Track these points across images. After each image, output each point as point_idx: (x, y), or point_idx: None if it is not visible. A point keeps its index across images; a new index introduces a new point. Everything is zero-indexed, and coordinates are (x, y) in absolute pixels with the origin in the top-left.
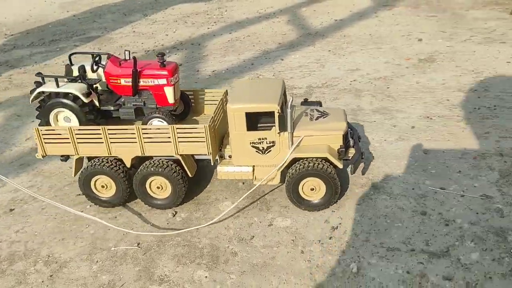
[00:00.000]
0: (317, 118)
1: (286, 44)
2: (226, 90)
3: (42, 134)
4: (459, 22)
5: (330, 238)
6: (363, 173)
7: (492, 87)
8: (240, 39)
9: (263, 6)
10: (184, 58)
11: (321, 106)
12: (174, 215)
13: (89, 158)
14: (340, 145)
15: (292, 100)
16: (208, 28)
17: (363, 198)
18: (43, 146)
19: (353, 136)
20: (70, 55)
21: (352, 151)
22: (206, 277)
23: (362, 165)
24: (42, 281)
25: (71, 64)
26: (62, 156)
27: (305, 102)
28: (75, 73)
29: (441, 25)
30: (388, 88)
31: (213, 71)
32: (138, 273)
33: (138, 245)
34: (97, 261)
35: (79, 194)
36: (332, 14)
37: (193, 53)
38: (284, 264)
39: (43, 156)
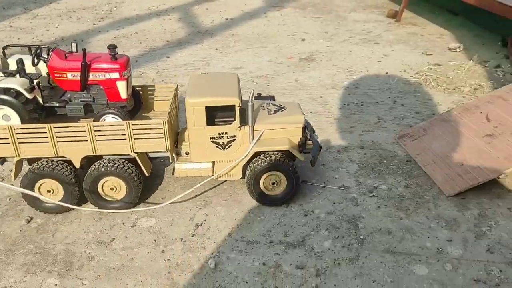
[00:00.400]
0: (275, 112)
1: (174, 42)
2: (177, 85)
3: None
4: (341, 23)
5: (193, 235)
6: (313, 165)
7: (361, 85)
8: (127, 36)
9: (155, 3)
10: None
11: (274, 100)
12: (29, 221)
13: (30, 161)
14: (300, 138)
15: (253, 93)
16: (94, 24)
17: (230, 194)
18: None
19: (308, 129)
20: (4, 48)
21: (310, 144)
22: (56, 285)
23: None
24: None
25: (5, 57)
26: None
27: (258, 97)
28: (12, 67)
29: (324, 26)
30: (268, 85)
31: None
32: None
33: None
34: None
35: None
36: (224, 13)
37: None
38: (142, 265)
39: None
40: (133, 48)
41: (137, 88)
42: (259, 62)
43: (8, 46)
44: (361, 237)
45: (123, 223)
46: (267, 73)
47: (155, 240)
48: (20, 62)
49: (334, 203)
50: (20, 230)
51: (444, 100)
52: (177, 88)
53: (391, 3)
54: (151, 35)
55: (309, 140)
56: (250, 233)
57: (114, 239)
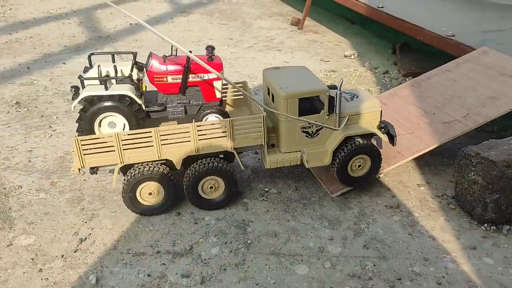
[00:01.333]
0: (351, 99)
1: (72, 47)
2: (245, 81)
3: (83, 145)
4: (246, 30)
5: (76, 251)
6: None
7: (260, 91)
8: (21, 40)
9: (55, 6)
10: None
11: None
12: None
13: (124, 169)
14: (380, 121)
15: (342, 82)
16: None
17: (119, 205)
18: (82, 158)
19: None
20: (90, 55)
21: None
22: None
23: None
24: None
25: (91, 66)
26: (91, 168)
27: (332, 86)
28: (95, 74)
29: (230, 33)
30: None
31: None
32: None
33: None
34: None
35: None
36: (128, 18)
37: None
38: (17, 286)
39: (79, 170)
40: (26, 54)
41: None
42: None
43: (93, 54)
44: (249, 241)
45: None
46: None
47: (32, 259)
48: (113, 69)
49: (225, 209)
50: None
51: None
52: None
53: (296, 11)
54: (47, 40)
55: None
56: (137, 244)
57: None
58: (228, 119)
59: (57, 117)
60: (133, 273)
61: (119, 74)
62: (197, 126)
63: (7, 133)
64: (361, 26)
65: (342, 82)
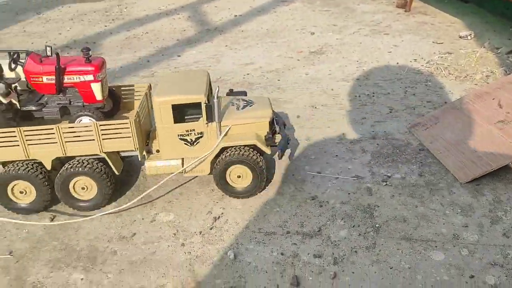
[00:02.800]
0: (243, 107)
1: (184, 40)
2: (150, 84)
3: None
4: (349, 15)
5: (211, 228)
6: (290, 159)
7: (372, 76)
8: (138, 36)
9: (165, 3)
10: None
11: (246, 95)
12: (52, 219)
13: (3, 164)
14: (267, 132)
15: (218, 90)
16: (106, 26)
17: None
18: None
19: (278, 123)
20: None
21: (278, 137)
22: (82, 279)
23: (289, 151)
24: None
25: None
26: None
27: (231, 93)
28: None
29: (334, 19)
30: (278, 80)
31: (107, 69)
32: (9, 282)
33: (10, 253)
34: None
35: None
36: (233, 10)
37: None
38: (164, 258)
39: None
40: (144, 48)
41: (113, 89)
42: (269, 57)
43: None
44: (377, 225)
45: (143, 219)
46: (277, 68)
47: (174, 234)
48: (13, 64)
49: (349, 193)
50: (44, 228)
51: (455, 88)
52: (149, 87)
53: None
54: (161, 35)
55: (278, 133)
56: (267, 224)
57: (135, 234)
58: (92, 122)
59: None
60: (267, 251)
61: (9, 73)
62: (62, 127)
63: None
64: (475, 4)
65: (218, 90)
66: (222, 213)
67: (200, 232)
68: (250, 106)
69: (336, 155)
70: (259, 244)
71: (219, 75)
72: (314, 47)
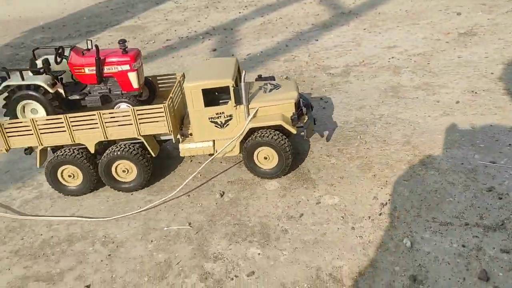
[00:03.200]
0: (270, 90)
1: (320, 25)
2: (183, 73)
3: (5, 128)
4: None
5: (380, 214)
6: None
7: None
8: (273, 22)
9: None
10: (218, 43)
11: (274, 80)
12: (222, 195)
13: (53, 150)
14: (293, 113)
15: (245, 74)
16: (240, 13)
17: (410, 174)
18: (6, 140)
19: (305, 105)
20: (34, 50)
21: (305, 118)
22: (259, 254)
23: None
24: (101, 260)
25: (35, 58)
26: (26, 149)
27: (259, 78)
28: (39, 66)
29: None
30: (428, 63)
31: (248, 55)
32: (192, 251)
33: (189, 225)
34: (152, 241)
35: None
36: None
37: (226, 37)
38: (335, 240)
39: (6, 150)
40: (280, 33)
41: (149, 78)
42: (414, 40)
43: (37, 48)
44: None
45: (308, 200)
46: (424, 51)
47: (342, 217)
48: (46, 62)
49: None
50: (216, 203)
51: None
52: (182, 76)
53: None
54: (295, 19)
55: (305, 115)
56: (441, 214)
57: (302, 214)
58: (130, 107)
59: (325, 90)
60: (446, 242)
61: (56, 66)
62: (103, 113)
63: None
64: None
65: (244, 74)
66: (389, 200)
67: (369, 217)
68: (277, 89)
69: (509, 144)
70: (435, 234)
71: (361, 59)
72: (463, 28)
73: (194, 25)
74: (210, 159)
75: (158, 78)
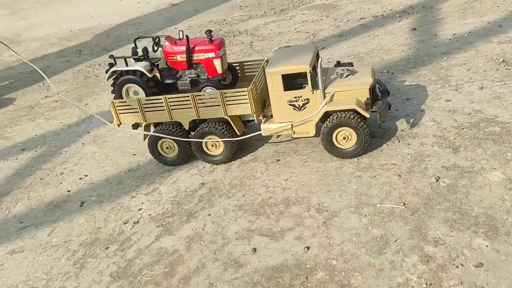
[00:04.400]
0: (346, 76)
1: None
2: (267, 59)
3: (117, 106)
4: None
5: None
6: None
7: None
8: (480, 0)
9: None
10: (417, 21)
11: (352, 66)
12: (437, 180)
13: (155, 125)
14: (367, 98)
15: (321, 60)
16: None
17: None
18: (118, 116)
19: (382, 90)
20: (135, 39)
21: (379, 103)
22: (487, 246)
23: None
24: (318, 226)
25: (136, 47)
26: (133, 125)
27: (338, 64)
28: (140, 54)
29: None
30: None
31: (454, 35)
32: (409, 231)
33: (404, 205)
34: (365, 215)
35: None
36: None
37: (426, 16)
38: None
39: (118, 125)
40: (491, 13)
41: (234, 64)
42: None
43: (138, 38)
44: None
45: None
46: None
47: None
48: (145, 50)
49: None
50: (431, 188)
51: None
52: (267, 61)
53: None
54: None
55: (380, 99)
56: None
57: None
58: (218, 91)
59: None
60: None
61: (153, 54)
62: (196, 95)
63: (507, 90)
64: None
65: (321, 60)
66: None
67: None
68: (353, 75)
69: None
70: None
71: None
72: None
73: (389, 3)
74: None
75: (245, 63)
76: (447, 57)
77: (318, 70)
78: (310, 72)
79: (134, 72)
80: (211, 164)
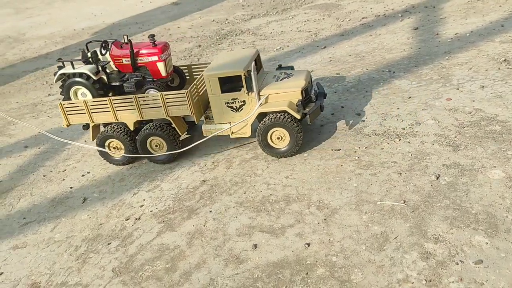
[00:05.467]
0: (282, 79)
1: None
2: (211, 63)
3: (65, 108)
4: None
5: None
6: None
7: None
8: (482, 0)
9: None
10: (419, 21)
11: (293, 69)
12: (437, 178)
13: (105, 125)
14: (298, 100)
15: (254, 65)
16: None
17: None
18: (66, 117)
19: (319, 93)
20: (87, 43)
21: (312, 105)
22: (486, 243)
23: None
24: (318, 223)
25: (88, 50)
26: (83, 125)
27: (279, 67)
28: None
29: None
30: None
31: (456, 34)
32: (409, 229)
33: (404, 202)
34: (365, 212)
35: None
36: None
37: (428, 16)
38: None
39: (67, 126)
40: (493, 12)
41: (181, 67)
42: None
43: (90, 41)
44: None
45: None
46: None
47: None
48: (94, 53)
49: None
50: (431, 185)
51: None
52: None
53: None
54: None
55: (313, 102)
56: None
57: None
58: (159, 93)
59: None
60: None
61: (103, 58)
62: (139, 97)
63: (508, 89)
64: None
65: (254, 65)
66: None
67: None
68: (288, 78)
69: None
70: None
71: None
72: None
73: (391, 2)
74: (208, 137)
75: (193, 66)
76: (449, 56)
77: (253, 73)
78: (244, 76)
79: (80, 74)
80: (212, 162)
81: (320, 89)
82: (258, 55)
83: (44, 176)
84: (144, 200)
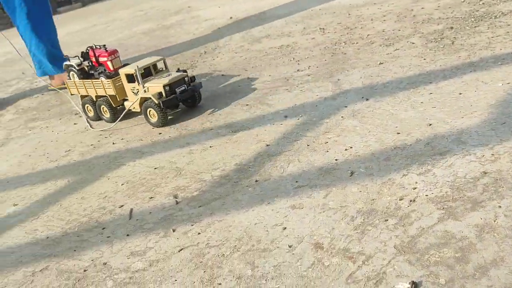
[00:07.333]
0: (162, 78)
1: None
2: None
3: (68, 83)
4: None
5: None
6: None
7: None
8: None
9: None
10: None
11: (185, 72)
12: None
13: (81, 97)
14: (158, 92)
15: (138, 67)
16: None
17: None
18: (70, 89)
19: (189, 89)
20: (88, 47)
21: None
22: None
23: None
24: None
25: (83, 52)
26: (72, 93)
27: (178, 70)
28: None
29: None
30: None
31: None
32: None
33: None
34: None
35: None
36: None
37: None
38: None
39: (72, 94)
40: None
41: (126, 64)
42: None
43: (91, 46)
44: None
45: None
46: None
47: None
48: (84, 54)
49: None
50: None
51: None
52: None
53: None
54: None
55: (175, 96)
56: None
57: None
58: (104, 79)
59: None
60: None
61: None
62: (94, 81)
63: None
64: None
65: (137, 67)
66: None
67: None
68: (164, 76)
69: None
70: None
71: None
72: None
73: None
74: (125, 111)
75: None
76: None
77: (138, 72)
78: (135, 73)
79: (71, 65)
80: (491, 154)
81: (195, 87)
82: (164, 60)
83: (307, 145)
84: (416, 183)
